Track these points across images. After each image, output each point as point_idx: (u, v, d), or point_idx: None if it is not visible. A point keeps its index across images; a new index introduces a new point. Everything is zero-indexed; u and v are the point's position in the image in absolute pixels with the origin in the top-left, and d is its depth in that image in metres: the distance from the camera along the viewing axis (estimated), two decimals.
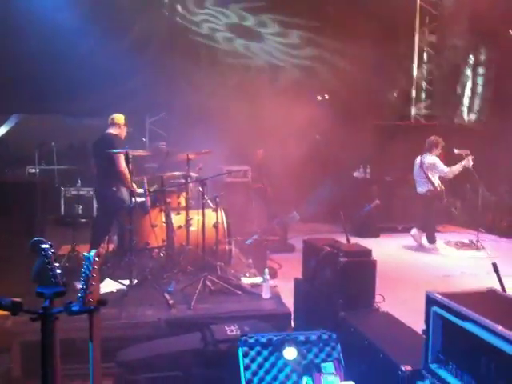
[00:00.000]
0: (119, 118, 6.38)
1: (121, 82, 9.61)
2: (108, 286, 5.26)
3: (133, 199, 5.32)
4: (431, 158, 8.92)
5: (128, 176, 5.86)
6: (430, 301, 2.69)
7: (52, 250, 2.17)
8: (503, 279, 3.36)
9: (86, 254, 2.20)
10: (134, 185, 5.86)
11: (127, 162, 5.33)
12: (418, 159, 9.12)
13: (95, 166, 6.38)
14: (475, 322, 2.34)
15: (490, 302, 2.65)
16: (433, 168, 8.87)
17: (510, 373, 2.19)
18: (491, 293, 2.74)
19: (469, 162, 8.65)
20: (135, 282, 5.28)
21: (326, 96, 12.53)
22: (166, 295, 4.95)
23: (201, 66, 10.35)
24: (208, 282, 5.25)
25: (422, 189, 9.08)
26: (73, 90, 9.67)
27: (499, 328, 2.21)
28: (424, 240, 9.29)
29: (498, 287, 3.06)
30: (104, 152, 5.91)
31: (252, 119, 10.23)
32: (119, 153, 5.74)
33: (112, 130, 6.31)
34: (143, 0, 10.47)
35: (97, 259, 2.17)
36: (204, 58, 10.42)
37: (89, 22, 9.31)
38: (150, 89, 10.30)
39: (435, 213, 9.20)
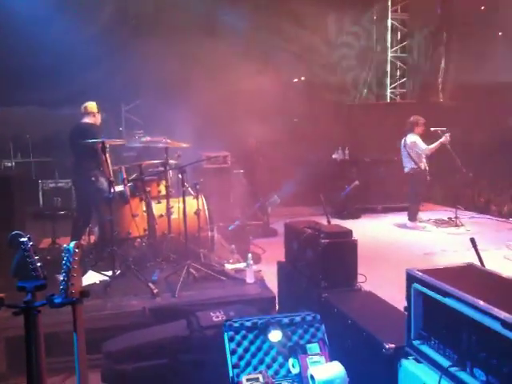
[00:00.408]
0: (92, 106, 6.29)
1: (92, 69, 9.46)
2: (91, 277, 5.23)
3: (112, 189, 5.27)
4: (413, 137, 9.07)
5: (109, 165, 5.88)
6: (410, 278, 2.72)
7: (31, 243, 2.15)
8: (482, 254, 3.42)
9: (66, 245, 2.18)
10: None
11: (104, 152, 5.26)
12: (403, 140, 9.25)
13: (73, 157, 6.30)
14: (455, 297, 2.38)
15: (468, 276, 2.69)
16: (414, 146, 9.00)
17: (491, 345, 2.24)
18: (470, 267, 2.79)
19: (446, 138, 8.78)
20: (118, 272, 5.25)
21: (303, 78, 12.52)
22: (150, 284, 4.94)
23: (178, 50, 10.22)
24: (192, 270, 5.25)
25: (407, 168, 9.25)
26: (44, 80, 9.47)
27: (480, 303, 2.25)
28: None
29: (477, 262, 3.12)
30: (82, 142, 5.87)
31: (230, 104, 10.18)
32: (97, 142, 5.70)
33: (87, 120, 6.23)
34: None
35: (77, 250, 2.16)
36: (183, 42, 10.26)
37: (57, 7, 9.08)
38: (123, 75, 10.17)
39: (419, 191, 9.33)
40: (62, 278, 2.15)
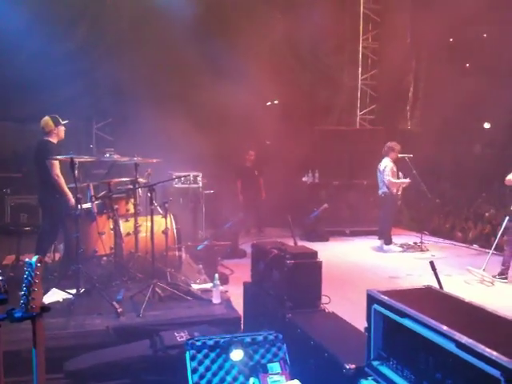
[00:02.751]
0: (46, 124, 6.15)
1: (64, 86, 9.42)
2: (55, 295, 5.15)
3: (78, 206, 5.23)
4: (385, 162, 9.36)
5: (62, 183, 5.87)
6: (371, 299, 2.78)
7: None
8: (446, 279, 3.51)
9: (27, 259, 2.17)
10: (69, 192, 5.83)
11: (73, 169, 5.23)
12: (379, 164, 9.53)
13: (38, 174, 6.24)
14: (412, 318, 2.44)
15: (426, 298, 2.76)
16: (383, 172, 9.25)
17: (446, 365, 2.29)
18: (428, 290, 2.86)
19: (407, 183, 9.28)
20: (83, 290, 5.18)
21: (276, 101, 12.68)
22: (115, 303, 4.88)
23: (150, 69, 10.26)
24: (158, 289, 5.22)
25: (380, 191, 9.49)
26: (14, 95, 9.41)
27: (436, 324, 2.31)
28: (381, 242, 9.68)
29: (436, 285, 3.20)
30: (40, 160, 5.89)
31: (203, 125, 10.23)
32: (54, 159, 5.70)
33: (47, 137, 6.18)
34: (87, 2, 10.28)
35: (39, 265, 2.14)
36: (156, 60, 10.30)
37: (31, 24, 9.04)
38: (95, 93, 10.16)
39: (390, 215, 9.50)
40: (22, 293, 2.13)
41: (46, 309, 2.19)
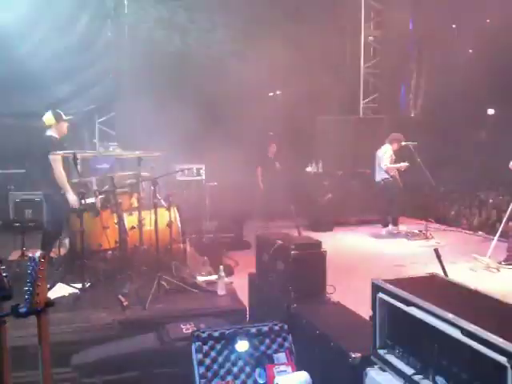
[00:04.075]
0: (47, 119, 6.15)
1: (66, 81, 9.42)
2: (60, 290, 5.16)
3: (82, 201, 5.23)
4: (386, 148, 9.39)
5: (64, 179, 5.88)
6: (376, 287, 2.77)
7: None
8: (451, 266, 3.50)
9: (31, 255, 2.17)
10: (70, 189, 5.83)
11: (76, 164, 5.22)
12: (378, 150, 9.55)
13: (40, 170, 6.25)
14: (417, 306, 2.44)
15: (431, 286, 2.76)
16: (382, 157, 9.26)
17: (452, 353, 2.29)
18: (433, 278, 2.86)
19: (405, 166, 9.28)
20: (88, 285, 5.19)
21: (278, 92, 12.65)
22: (120, 297, 4.89)
23: (153, 62, 10.25)
24: (163, 282, 5.22)
25: (377, 177, 9.47)
26: (15, 91, 9.42)
27: (441, 311, 2.31)
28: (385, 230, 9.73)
29: (441, 273, 3.19)
30: (44, 155, 5.89)
31: (205, 116, 10.21)
32: (57, 154, 5.70)
33: (49, 132, 6.17)
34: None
35: (43, 260, 2.14)
36: (158, 54, 10.30)
37: (30, 19, 9.02)
38: (98, 87, 10.15)
39: (397, 197, 9.51)
40: (26, 288, 2.13)
41: (50, 304, 2.19)
